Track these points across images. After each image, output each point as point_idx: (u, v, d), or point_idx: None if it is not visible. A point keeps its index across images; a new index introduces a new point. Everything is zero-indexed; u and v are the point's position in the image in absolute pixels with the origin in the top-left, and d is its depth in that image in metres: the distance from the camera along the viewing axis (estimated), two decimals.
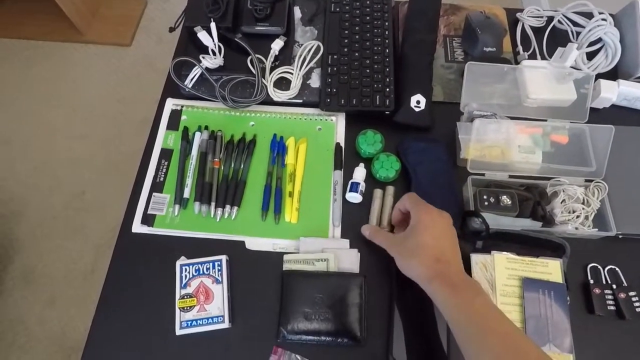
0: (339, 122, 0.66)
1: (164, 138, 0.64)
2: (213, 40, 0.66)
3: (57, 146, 1.55)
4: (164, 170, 0.61)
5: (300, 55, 0.66)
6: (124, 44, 1.75)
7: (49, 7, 1.69)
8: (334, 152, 0.63)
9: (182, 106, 0.66)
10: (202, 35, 0.66)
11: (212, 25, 0.66)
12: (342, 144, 0.64)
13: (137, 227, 0.58)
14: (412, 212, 0.51)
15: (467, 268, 0.55)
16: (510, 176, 0.60)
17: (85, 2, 1.72)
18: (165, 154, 0.63)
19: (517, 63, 0.71)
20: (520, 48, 0.72)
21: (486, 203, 0.57)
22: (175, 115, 0.66)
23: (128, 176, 1.49)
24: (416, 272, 0.47)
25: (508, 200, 0.57)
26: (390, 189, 0.60)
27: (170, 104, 0.67)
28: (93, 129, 1.58)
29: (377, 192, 0.60)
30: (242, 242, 0.57)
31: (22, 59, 1.74)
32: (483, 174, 0.60)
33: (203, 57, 0.65)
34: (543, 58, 0.71)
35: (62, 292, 1.31)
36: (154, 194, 0.60)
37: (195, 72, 0.65)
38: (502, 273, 0.55)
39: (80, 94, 1.66)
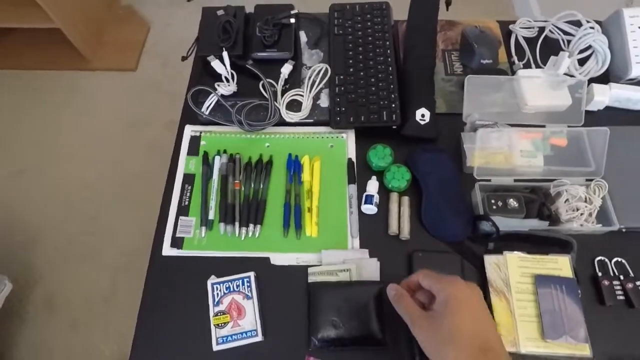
0: (349, 139, 0.69)
1: (186, 163, 0.67)
2: (226, 68, 0.71)
3: (68, 173, 1.59)
4: (188, 194, 0.65)
5: (310, 78, 0.70)
6: (130, 69, 1.80)
7: (53, 37, 1.75)
8: (347, 168, 0.67)
9: (201, 132, 0.70)
10: (216, 64, 0.71)
11: (225, 54, 0.70)
12: (354, 159, 0.68)
13: (167, 250, 0.61)
14: (437, 288, 0.44)
15: (483, 269, 0.59)
16: (515, 180, 0.64)
17: (89, 30, 1.78)
18: (188, 178, 0.66)
19: (513, 72, 0.75)
20: (515, 58, 0.77)
21: (494, 207, 0.61)
22: (195, 141, 0.69)
23: (139, 198, 1.55)
24: None
25: (515, 203, 0.61)
26: (406, 200, 0.63)
27: (189, 130, 0.71)
28: (103, 154, 1.62)
29: (394, 196, 0.64)
30: (267, 258, 0.61)
31: (30, 89, 1.79)
32: (489, 180, 0.63)
33: (218, 85, 0.69)
34: (537, 66, 0.75)
35: (83, 317, 1.34)
36: (181, 217, 0.63)
37: (212, 100, 0.69)
38: (515, 272, 0.58)
39: (89, 120, 1.71)
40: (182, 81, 1.96)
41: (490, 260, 0.59)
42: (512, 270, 0.58)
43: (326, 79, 0.70)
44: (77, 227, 1.48)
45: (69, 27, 1.66)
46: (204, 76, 0.73)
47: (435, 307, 0.43)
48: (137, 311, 1.39)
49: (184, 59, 0.83)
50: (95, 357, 1.29)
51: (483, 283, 0.58)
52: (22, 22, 1.66)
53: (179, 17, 1.94)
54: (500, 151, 0.64)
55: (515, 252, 0.59)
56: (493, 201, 0.61)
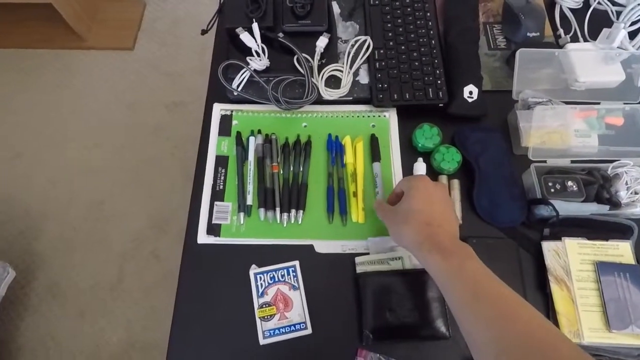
0: (391, 118, 0.65)
1: (217, 145, 0.62)
2: (256, 41, 0.65)
3: (69, 157, 1.52)
4: (222, 178, 0.60)
5: (349, 52, 0.65)
6: (127, 48, 1.71)
7: (45, 14, 1.65)
8: (370, 144, 0.62)
9: (232, 111, 0.65)
10: (245, 37, 0.65)
11: (255, 25, 0.65)
12: (397, 140, 0.64)
13: (203, 238, 0.56)
14: (404, 182, 0.51)
15: (539, 256, 0.56)
16: (572, 161, 0.60)
17: (83, 7, 1.67)
18: (221, 161, 0.61)
19: (560, 46, 0.71)
20: (561, 31, 0.72)
21: (552, 190, 0.57)
22: (226, 120, 0.64)
23: (146, 183, 1.49)
24: (406, 238, 0.46)
25: (574, 185, 0.57)
26: (456, 183, 0.59)
27: (218, 109, 0.65)
28: (105, 137, 1.55)
29: (443, 179, 0.60)
30: (311, 246, 0.57)
31: (23, 69, 1.69)
32: (545, 161, 0.59)
33: (250, 59, 0.63)
34: (585, 40, 0.71)
35: (89, 305, 1.30)
36: (216, 202, 0.58)
37: (243, 76, 0.63)
38: (575, 258, 0.55)
39: (87, 101, 1.62)
40: (181, 61, 1.88)
41: (549, 247, 0.56)
42: (572, 257, 0.55)
43: (368, 52, 0.65)
44: (81, 213, 1.42)
45: (61, 3, 1.55)
46: (231, 50, 0.67)
47: (401, 199, 0.49)
48: (144, 298, 1.35)
49: (204, 32, 0.76)
50: (103, 345, 1.25)
51: (541, 271, 0.55)
52: None
53: None
54: (555, 130, 0.60)
55: (574, 238, 0.56)
56: (550, 183, 0.57)
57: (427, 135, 0.61)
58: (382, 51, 0.66)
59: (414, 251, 0.46)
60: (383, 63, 0.65)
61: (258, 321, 0.51)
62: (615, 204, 0.57)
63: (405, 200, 0.48)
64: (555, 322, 0.52)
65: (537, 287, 0.55)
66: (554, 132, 0.60)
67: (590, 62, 0.66)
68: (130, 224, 1.41)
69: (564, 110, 0.61)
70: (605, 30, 0.67)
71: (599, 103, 0.64)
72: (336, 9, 0.72)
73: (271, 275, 0.53)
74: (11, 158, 1.51)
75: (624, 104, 0.63)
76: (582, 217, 0.57)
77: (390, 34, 0.68)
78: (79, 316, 1.28)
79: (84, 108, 1.61)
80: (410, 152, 0.63)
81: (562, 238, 0.56)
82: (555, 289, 0.54)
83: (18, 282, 1.28)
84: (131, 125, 1.58)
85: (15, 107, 1.62)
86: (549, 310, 0.53)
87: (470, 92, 0.63)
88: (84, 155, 1.52)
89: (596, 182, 0.58)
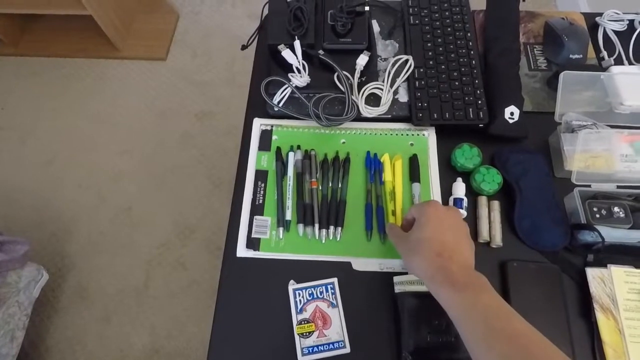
0: (430, 137, 0.65)
1: (257, 159, 0.63)
2: (297, 58, 0.66)
3: (99, 163, 1.56)
4: (262, 192, 0.61)
5: (390, 71, 0.65)
6: (160, 58, 1.76)
7: (83, 24, 1.72)
8: (410, 164, 0.62)
9: (272, 126, 0.66)
10: (287, 54, 0.66)
11: (297, 43, 0.66)
12: (435, 159, 0.63)
13: (242, 252, 0.57)
14: (416, 209, 0.50)
15: (583, 282, 0.54)
16: (618, 186, 0.59)
17: (120, 18, 1.74)
18: (260, 175, 0.62)
19: (603, 69, 0.70)
20: (604, 53, 0.71)
21: (597, 215, 0.56)
22: (266, 135, 0.65)
23: (172, 191, 1.51)
24: (418, 269, 0.46)
25: (621, 211, 0.56)
26: (496, 204, 0.59)
27: (259, 124, 0.66)
28: (134, 144, 1.59)
29: (482, 200, 0.59)
30: (349, 263, 0.57)
31: (59, 77, 1.76)
32: (589, 185, 0.58)
33: (292, 76, 0.64)
34: (630, 63, 0.70)
35: (116, 309, 1.32)
36: (255, 216, 0.59)
37: (285, 92, 0.64)
38: (622, 287, 0.53)
39: (119, 109, 1.67)
40: (211, 71, 1.93)
41: (593, 274, 0.54)
42: (619, 285, 0.54)
43: (410, 71, 0.65)
44: (109, 218, 1.45)
45: (100, 15, 1.61)
46: (272, 66, 0.69)
47: (413, 227, 0.49)
48: (169, 305, 1.36)
49: (243, 47, 0.78)
50: (127, 349, 1.27)
51: (585, 298, 0.54)
52: (55, 8, 1.62)
53: (207, 6, 1.90)
54: (600, 154, 0.59)
55: (620, 265, 0.55)
56: (596, 209, 0.56)
57: (467, 155, 0.61)
58: (422, 70, 0.67)
59: (426, 283, 0.46)
60: (423, 82, 0.66)
61: (297, 337, 0.51)
62: None
63: (416, 229, 0.48)
64: (601, 353, 0.51)
65: (581, 314, 0.54)
66: (598, 156, 0.59)
67: (636, 86, 0.65)
68: (157, 230, 1.43)
69: (609, 134, 0.60)
70: None
71: None
72: (376, 27, 0.73)
73: (310, 292, 0.53)
74: (44, 163, 1.57)
75: None
76: (629, 244, 0.55)
77: (430, 53, 0.68)
78: (105, 320, 1.30)
79: (115, 116, 1.66)
80: (448, 172, 0.63)
81: (608, 265, 0.55)
82: (600, 318, 0.52)
83: (49, 285, 1.31)
84: (160, 133, 1.61)
85: (49, 114, 1.68)
86: (594, 339, 0.52)
87: (512, 113, 0.63)
88: (113, 161, 1.56)
89: None
